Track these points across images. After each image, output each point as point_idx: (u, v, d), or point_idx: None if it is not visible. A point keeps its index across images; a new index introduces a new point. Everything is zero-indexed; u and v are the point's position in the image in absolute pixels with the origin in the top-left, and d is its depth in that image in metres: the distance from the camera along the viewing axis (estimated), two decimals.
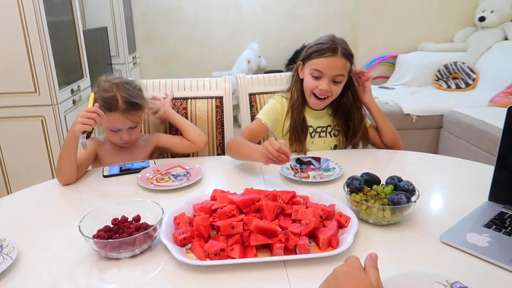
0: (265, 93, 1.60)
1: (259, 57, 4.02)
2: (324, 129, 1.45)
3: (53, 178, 2.18)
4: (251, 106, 1.58)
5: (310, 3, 4.08)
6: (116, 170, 1.22)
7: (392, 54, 4.02)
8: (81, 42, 2.54)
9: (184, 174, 1.20)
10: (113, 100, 1.26)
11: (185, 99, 1.56)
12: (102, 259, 0.78)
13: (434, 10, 3.90)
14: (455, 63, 3.71)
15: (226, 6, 4.09)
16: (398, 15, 3.90)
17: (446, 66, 3.74)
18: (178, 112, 1.50)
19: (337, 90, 1.34)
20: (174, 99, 1.54)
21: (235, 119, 1.54)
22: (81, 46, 2.54)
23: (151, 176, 1.18)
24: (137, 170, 1.21)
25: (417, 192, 0.90)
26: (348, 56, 1.34)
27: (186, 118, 1.52)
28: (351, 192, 0.93)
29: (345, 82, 1.36)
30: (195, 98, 1.56)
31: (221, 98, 1.56)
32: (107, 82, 1.30)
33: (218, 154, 1.58)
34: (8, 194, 2.25)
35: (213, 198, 0.96)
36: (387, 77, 4.05)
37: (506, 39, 3.66)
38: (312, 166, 1.26)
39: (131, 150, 1.40)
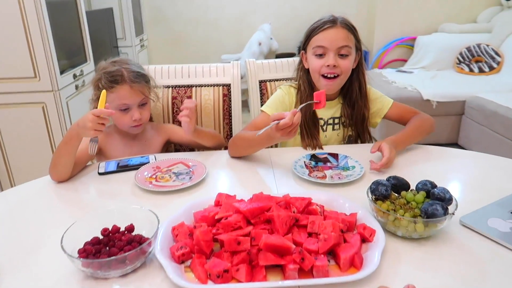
0: (277, 80, 1.47)
1: (271, 39, 3.85)
2: (337, 120, 1.31)
3: None
4: (261, 94, 1.45)
5: None
6: (112, 166, 1.11)
7: (410, 36, 3.81)
8: (84, 24, 2.41)
9: (186, 173, 1.09)
10: (118, 72, 1.19)
11: (190, 86, 1.43)
12: (88, 277, 0.68)
13: None
14: (478, 45, 3.50)
15: None
16: None
17: (468, 49, 3.53)
18: (181, 102, 1.38)
19: (346, 64, 1.19)
20: (177, 87, 1.42)
21: (245, 104, 1.40)
22: (84, 29, 2.42)
23: (149, 175, 1.07)
24: (135, 167, 1.10)
25: (454, 201, 0.77)
26: (350, 27, 1.21)
27: None
28: (376, 199, 0.80)
29: (353, 57, 1.22)
30: (201, 85, 1.43)
31: (228, 85, 1.43)
32: (107, 62, 1.24)
33: (225, 148, 1.45)
34: (11, 183, 2.18)
35: (217, 203, 0.84)
36: (405, 60, 3.85)
37: None
38: (329, 164, 1.13)
39: (141, 142, 1.30)
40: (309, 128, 1.25)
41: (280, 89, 1.31)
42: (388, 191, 0.80)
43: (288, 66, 1.50)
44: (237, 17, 4.02)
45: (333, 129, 1.32)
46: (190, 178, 1.06)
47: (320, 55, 1.20)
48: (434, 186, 0.80)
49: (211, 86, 1.43)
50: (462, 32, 3.65)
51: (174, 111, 1.42)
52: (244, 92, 1.53)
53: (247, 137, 1.15)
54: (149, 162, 1.13)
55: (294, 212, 0.78)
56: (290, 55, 3.92)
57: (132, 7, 3.46)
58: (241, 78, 1.48)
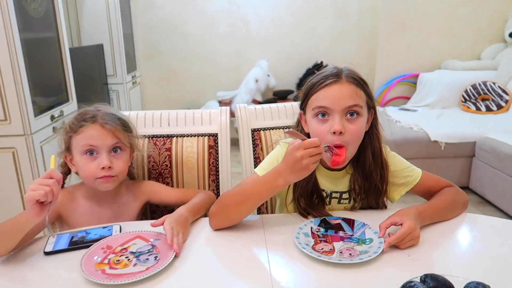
0: (272, 128, 1.27)
1: (268, 75, 3.71)
2: (345, 195, 1.06)
3: None
4: (254, 145, 1.24)
5: (325, 17, 3.77)
6: (64, 243, 0.88)
7: (413, 73, 3.68)
8: (66, 61, 2.25)
9: (148, 250, 0.86)
10: (91, 112, 1.02)
11: (169, 137, 1.22)
12: None
13: (459, 25, 3.57)
14: (484, 82, 3.36)
15: (234, 21, 3.82)
16: (420, 30, 3.57)
17: (474, 86, 3.38)
18: (159, 155, 1.18)
19: (356, 130, 0.93)
20: (155, 137, 1.22)
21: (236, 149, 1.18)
22: (66, 66, 2.25)
23: (99, 260, 0.83)
24: (88, 243, 0.87)
25: None
26: (359, 81, 0.95)
27: (170, 161, 1.20)
28: None
29: (365, 119, 0.96)
30: (182, 135, 1.22)
31: (215, 135, 1.22)
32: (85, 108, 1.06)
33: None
34: None
35: None
36: (408, 98, 3.71)
37: None
38: (341, 233, 0.92)
39: (113, 208, 1.07)
40: (309, 201, 1.02)
41: (279, 146, 1.07)
42: None
43: (286, 112, 1.30)
44: (234, 53, 3.91)
45: (339, 202, 1.07)
46: (156, 258, 0.83)
47: (323, 118, 0.94)
48: None
49: (194, 136, 1.21)
50: (466, 69, 3.53)
51: (150, 166, 1.21)
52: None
53: (241, 189, 0.94)
54: (110, 235, 0.91)
55: None
56: (288, 92, 3.77)
57: (125, 42, 3.35)
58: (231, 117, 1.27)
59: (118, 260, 0.82)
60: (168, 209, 1.16)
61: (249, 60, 3.87)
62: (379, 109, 3.42)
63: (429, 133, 2.77)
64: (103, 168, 0.97)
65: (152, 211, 1.22)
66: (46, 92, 2.06)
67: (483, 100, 3.34)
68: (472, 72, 3.49)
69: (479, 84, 3.37)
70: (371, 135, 1.00)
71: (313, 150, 0.81)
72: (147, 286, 0.74)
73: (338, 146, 0.91)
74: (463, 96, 3.43)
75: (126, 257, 0.83)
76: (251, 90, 3.62)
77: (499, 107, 3.23)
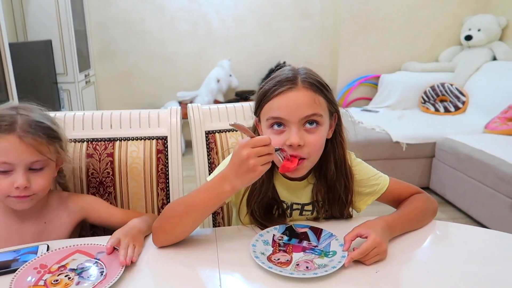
0: (229, 130, 1.16)
1: (230, 75, 3.61)
2: (307, 207, 0.97)
3: None
4: (209, 149, 1.13)
5: (287, 17, 3.72)
6: None
7: (374, 74, 3.71)
8: (6, 57, 2.05)
9: (94, 264, 0.75)
10: (9, 118, 0.84)
11: (111, 140, 1.07)
12: None
13: (419, 27, 3.64)
14: (442, 84, 3.43)
15: (194, 19, 3.68)
16: (381, 31, 3.61)
17: (432, 88, 3.45)
18: (99, 161, 1.04)
19: (315, 141, 0.83)
20: (95, 140, 1.07)
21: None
22: (5, 61, 2.05)
23: (33, 281, 0.70)
24: (10, 268, 0.74)
25: None
26: (317, 85, 0.84)
27: (113, 169, 1.06)
28: None
29: (326, 127, 0.86)
30: (126, 139, 1.08)
31: (165, 138, 1.08)
32: (4, 107, 0.88)
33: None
34: None
35: None
36: (370, 99, 3.73)
37: (494, 59, 3.41)
38: (305, 243, 0.84)
39: (39, 224, 0.91)
40: (266, 214, 0.91)
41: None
42: None
43: (243, 112, 1.20)
44: (195, 52, 3.77)
45: (301, 214, 0.98)
46: (102, 274, 0.72)
47: (278, 129, 0.84)
48: None
49: (141, 139, 1.07)
50: (425, 70, 3.59)
51: (89, 174, 1.06)
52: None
53: (184, 198, 0.83)
54: (36, 257, 0.77)
55: None
56: (251, 92, 3.68)
57: (77, 39, 3.13)
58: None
59: (57, 280, 0.71)
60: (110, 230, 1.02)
61: (210, 60, 3.75)
62: (341, 110, 3.42)
63: (391, 134, 2.77)
64: (17, 187, 0.82)
65: (94, 226, 1.08)
66: None
67: (441, 101, 3.41)
68: (431, 74, 3.56)
69: (438, 86, 3.44)
70: (335, 142, 0.91)
71: (262, 149, 0.72)
72: None
73: (294, 160, 0.81)
74: (422, 97, 3.48)
75: (66, 276, 0.72)
76: (213, 90, 3.50)
77: (457, 108, 3.30)
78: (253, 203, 0.90)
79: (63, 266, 0.75)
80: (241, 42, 3.77)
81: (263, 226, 0.90)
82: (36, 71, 2.79)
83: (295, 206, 0.96)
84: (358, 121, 3.05)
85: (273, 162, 0.87)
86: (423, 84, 3.49)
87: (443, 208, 2.63)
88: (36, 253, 0.78)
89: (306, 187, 0.95)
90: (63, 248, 0.79)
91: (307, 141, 0.82)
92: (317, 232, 0.86)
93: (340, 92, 3.69)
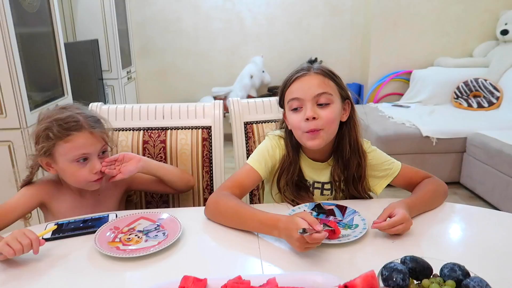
0: (265, 121, 1.30)
1: (263, 72, 3.73)
2: (327, 185, 1.11)
3: None
4: (247, 138, 1.27)
5: (318, 14, 3.80)
6: (62, 229, 0.91)
7: (406, 70, 3.72)
8: (62, 56, 2.26)
9: (155, 228, 0.91)
10: (73, 118, 1.00)
11: (164, 129, 1.25)
12: None
13: (452, 23, 3.61)
14: (476, 79, 3.41)
15: (228, 17, 3.83)
16: (413, 27, 3.61)
17: (466, 83, 3.43)
18: (154, 147, 1.20)
19: (327, 115, 0.99)
20: (149, 129, 1.24)
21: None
22: (62, 61, 2.26)
23: (112, 237, 0.88)
24: (89, 228, 0.90)
25: None
26: (328, 73, 1.02)
27: (165, 153, 1.22)
28: None
29: (338, 107, 1.01)
30: (176, 128, 1.25)
31: (209, 128, 1.25)
32: (53, 110, 1.04)
33: (205, 199, 1.26)
34: None
35: None
36: (401, 94, 3.75)
37: None
38: (331, 218, 0.95)
39: (94, 197, 1.09)
40: (295, 192, 1.06)
41: (268, 138, 1.11)
42: (406, 281, 0.61)
43: (278, 106, 1.33)
44: (229, 49, 3.93)
45: (322, 194, 1.12)
46: (165, 234, 0.88)
47: (297, 109, 1.01)
48: (465, 273, 0.61)
49: (188, 128, 1.25)
50: (458, 66, 3.57)
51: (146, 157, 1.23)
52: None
53: (241, 210, 0.93)
54: (108, 222, 0.94)
55: None
56: None
57: (120, 38, 3.35)
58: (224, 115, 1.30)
59: (129, 238, 0.88)
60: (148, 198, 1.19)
61: (243, 57, 3.89)
62: (371, 105, 3.48)
63: (421, 128, 2.81)
64: (95, 173, 1.01)
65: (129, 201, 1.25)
66: (41, 87, 2.07)
67: (474, 96, 3.39)
68: (464, 69, 3.54)
69: (471, 81, 3.42)
70: (349, 126, 1.06)
71: (311, 245, 0.79)
72: (160, 259, 0.81)
73: (313, 131, 0.97)
74: (455, 92, 3.47)
75: (135, 235, 0.89)
76: (246, 86, 3.64)
77: (490, 103, 3.27)
78: (283, 181, 1.05)
79: (132, 228, 0.92)
80: (273, 39, 3.89)
81: (293, 203, 1.04)
82: (84, 69, 3.02)
83: (316, 185, 1.10)
84: (388, 116, 3.10)
85: (300, 145, 1.03)
86: (456, 80, 3.48)
87: (473, 202, 2.66)
88: (107, 219, 0.95)
89: (326, 168, 1.10)
90: (129, 215, 0.96)
91: (321, 115, 0.98)
92: (342, 209, 0.98)
93: (371, 88, 3.73)
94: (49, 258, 0.83)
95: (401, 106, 3.46)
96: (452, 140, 2.80)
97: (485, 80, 3.37)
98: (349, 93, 1.05)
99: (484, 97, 3.33)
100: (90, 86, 3.11)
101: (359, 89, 3.91)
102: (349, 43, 3.83)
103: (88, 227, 0.92)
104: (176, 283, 0.67)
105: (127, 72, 3.59)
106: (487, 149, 2.55)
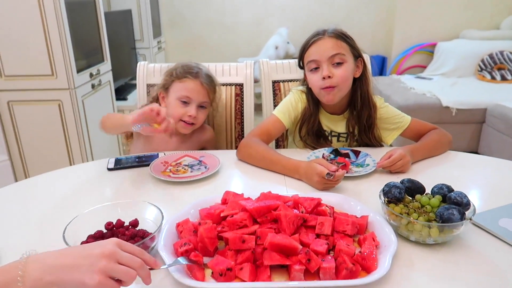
0: (290, 80, 1.45)
1: (288, 43, 3.83)
2: (343, 134, 1.27)
3: (70, 163, 2.14)
4: (275, 95, 1.43)
5: None
6: (122, 162, 1.10)
7: (430, 42, 3.74)
8: (102, 24, 2.44)
9: (198, 163, 1.10)
10: (195, 69, 1.24)
11: None
12: None
13: None
14: (501, 52, 3.40)
15: None
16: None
17: (491, 56, 3.43)
18: None
19: (341, 73, 1.13)
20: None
21: (259, 108, 1.37)
22: (102, 29, 2.45)
23: (162, 168, 1.07)
24: (143, 163, 1.09)
25: (472, 207, 0.73)
26: (341, 35, 1.16)
27: None
28: (388, 202, 0.77)
29: (351, 65, 1.16)
30: None
31: (241, 85, 1.42)
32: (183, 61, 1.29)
33: (236, 147, 1.43)
34: (26, 177, 2.20)
35: (224, 201, 0.82)
36: (425, 67, 3.78)
37: None
38: (347, 159, 1.11)
39: (179, 142, 1.30)
40: (314, 139, 1.23)
41: (292, 92, 1.28)
42: (402, 194, 0.76)
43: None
44: (254, 21, 4.03)
45: (338, 141, 1.28)
46: (206, 167, 1.06)
47: (315, 69, 1.17)
48: (450, 190, 0.76)
49: (224, 85, 1.41)
50: (484, 38, 3.56)
51: None
52: (259, 96, 1.52)
53: (267, 156, 1.08)
54: (158, 158, 1.12)
55: (302, 212, 0.75)
56: None
57: (151, 8, 3.50)
58: (256, 82, 1.46)
59: (177, 169, 1.07)
60: None
61: (268, 29, 3.98)
62: (394, 77, 3.54)
63: (441, 99, 2.88)
64: (190, 115, 1.20)
65: None
66: (85, 52, 2.26)
67: (499, 69, 3.40)
68: (490, 42, 3.52)
69: (496, 54, 3.42)
70: (362, 80, 1.20)
71: (330, 185, 0.94)
72: (203, 185, 0.99)
73: (328, 87, 1.13)
74: (479, 65, 3.48)
75: (182, 168, 1.08)
76: (271, 56, 3.75)
77: None
78: (305, 130, 1.22)
79: (179, 163, 1.11)
80: (297, 11, 3.95)
81: (314, 149, 1.21)
82: (118, 38, 3.20)
83: (333, 133, 1.26)
84: (410, 87, 3.16)
85: (318, 100, 1.18)
86: (481, 52, 3.48)
87: None
88: (157, 156, 1.14)
89: (342, 120, 1.25)
90: (175, 153, 1.15)
91: (335, 74, 1.13)
92: (357, 152, 1.14)
93: (394, 60, 3.78)
94: (114, 184, 1.02)
95: (423, 78, 3.50)
96: (472, 111, 2.85)
97: (511, 53, 3.36)
98: (360, 52, 1.19)
99: (508, 69, 3.34)
100: (124, 54, 3.29)
101: (382, 61, 3.95)
102: (374, 15, 3.86)
103: (142, 161, 1.11)
104: (219, 197, 0.85)
105: (158, 42, 3.76)
106: (507, 120, 2.61)
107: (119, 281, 0.52)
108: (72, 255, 0.52)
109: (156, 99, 1.29)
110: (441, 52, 3.64)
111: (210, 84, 1.24)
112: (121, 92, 2.97)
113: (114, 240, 0.56)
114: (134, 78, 3.35)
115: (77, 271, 0.50)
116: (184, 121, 1.22)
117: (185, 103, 1.21)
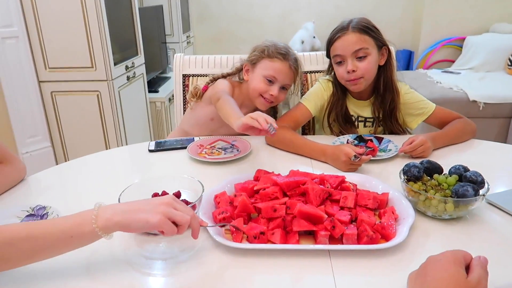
0: (317, 71, 1.51)
1: (314, 37, 3.87)
2: (369, 119, 1.34)
3: (107, 149, 2.29)
4: (302, 85, 1.50)
5: None
6: (162, 144, 1.21)
7: (459, 36, 3.69)
8: (136, 19, 2.57)
9: (230, 147, 1.19)
10: (285, 50, 1.28)
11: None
12: (141, 233, 0.77)
13: None
14: None
15: None
16: None
17: None
18: None
19: (364, 66, 1.20)
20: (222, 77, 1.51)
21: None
22: (136, 24, 2.58)
23: (198, 151, 1.17)
24: (180, 145, 1.20)
25: (486, 185, 0.78)
26: (363, 29, 1.21)
27: None
28: (408, 180, 0.83)
29: (375, 57, 1.22)
30: None
31: None
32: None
33: None
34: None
35: (256, 178, 0.91)
36: (453, 61, 3.73)
37: None
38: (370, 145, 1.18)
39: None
40: (343, 125, 1.30)
41: (319, 82, 1.35)
42: (421, 173, 0.83)
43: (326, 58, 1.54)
44: (280, 15, 4.09)
45: (365, 126, 1.34)
46: (238, 150, 1.16)
47: (340, 63, 1.24)
48: (466, 170, 0.81)
49: None
50: None
51: None
52: None
53: (295, 140, 1.15)
54: (193, 141, 1.23)
55: (328, 187, 0.83)
56: None
57: (181, 4, 3.62)
58: None
59: (212, 152, 1.17)
60: None
61: (294, 23, 4.04)
62: (420, 71, 3.53)
63: (469, 93, 2.86)
64: (271, 95, 1.25)
65: None
66: (121, 46, 2.40)
67: None
68: None
69: None
70: (386, 67, 1.27)
71: (355, 165, 1.01)
72: (236, 165, 1.09)
73: (354, 79, 1.21)
74: (509, 59, 3.42)
75: (217, 150, 1.17)
76: (297, 51, 3.80)
77: None
78: (333, 115, 1.30)
79: (213, 146, 1.20)
80: (324, 5, 3.98)
81: (340, 134, 1.28)
82: (150, 32, 3.33)
83: (360, 119, 1.33)
84: (437, 81, 3.15)
85: (346, 88, 1.26)
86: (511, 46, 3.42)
87: None
88: (193, 140, 1.24)
89: (368, 105, 1.32)
90: (209, 137, 1.25)
91: (359, 67, 1.21)
92: (380, 139, 1.20)
93: (421, 54, 3.76)
94: (156, 163, 1.13)
95: (451, 72, 3.47)
96: (500, 105, 2.82)
97: None
98: (385, 41, 1.25)
99: None
100: (155, 48, 3.43)
101: (409, 55, 3.94)
102: (401, 9, 3.84)
103: (180, 144, 1.21)
104: (251, 175, 0.94)
105: (187, 37, 3.88)
106: None
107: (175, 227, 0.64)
108: (137, 203, 0.65)
109: (240, 70, 1.35)
110: (470, 47, 3.59)
111: (297, 68, 1.30)
112: (153, 85, 3.11)
113: (170, 195, 0.69)
114: (165, 71, 3.51)
115: (141, 212, 0.62)
116: (264, 98, 1.27)
117: (270, 81, 1.25)
